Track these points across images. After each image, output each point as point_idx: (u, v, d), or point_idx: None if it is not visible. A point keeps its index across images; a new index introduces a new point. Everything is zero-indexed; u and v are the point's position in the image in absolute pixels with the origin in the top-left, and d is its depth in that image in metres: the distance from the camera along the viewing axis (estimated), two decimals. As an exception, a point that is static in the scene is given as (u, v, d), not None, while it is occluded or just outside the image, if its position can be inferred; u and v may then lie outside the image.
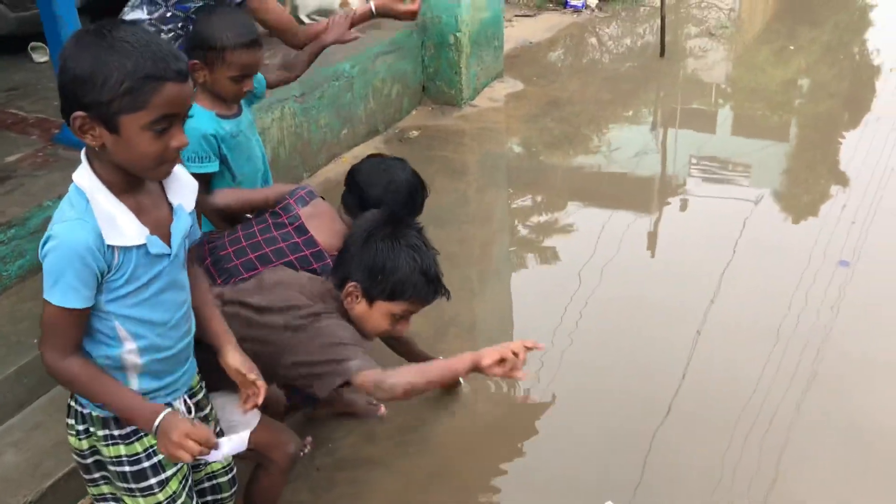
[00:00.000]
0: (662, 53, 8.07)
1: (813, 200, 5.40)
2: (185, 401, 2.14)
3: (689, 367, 3.65)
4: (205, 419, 2.21)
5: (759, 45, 9.03)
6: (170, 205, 1.98)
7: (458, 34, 6.66)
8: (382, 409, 3.43)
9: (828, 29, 9.44)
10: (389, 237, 2.41)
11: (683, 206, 5.33)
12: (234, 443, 1.99)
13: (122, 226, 1.85)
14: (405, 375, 2.26)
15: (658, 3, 8.24)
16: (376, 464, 3.22)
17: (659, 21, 8.06)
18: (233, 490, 2.40)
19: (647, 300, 4.16)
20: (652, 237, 4.91)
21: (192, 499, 2.20)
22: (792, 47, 8.52)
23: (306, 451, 3.23)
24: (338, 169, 5.77)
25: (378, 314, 2.42)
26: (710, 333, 3.88)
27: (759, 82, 7.80)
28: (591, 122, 6.69)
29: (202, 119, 2.91)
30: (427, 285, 2.41)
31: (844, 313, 4.02)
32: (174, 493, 2.12)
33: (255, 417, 2.41)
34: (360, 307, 2.41)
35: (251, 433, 2.07)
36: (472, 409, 3.49)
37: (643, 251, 4.75)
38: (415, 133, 6.45)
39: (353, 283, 2.39)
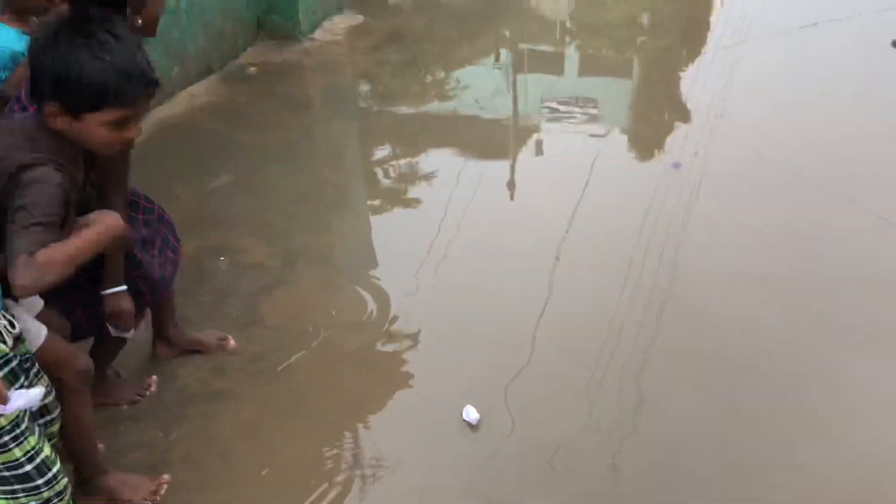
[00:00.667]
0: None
1: (658, 135, 5.55)
2: (3, 316, 2.02)
3: (550, 301, 3.68)
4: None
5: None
6: None
7: (291, -36, 6.45)
8: (231, 342, 3.34)
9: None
10: (71, 38, 2.06)
11: (539, 149, 5.37)
12: (25, 398, 1.98)
13: None
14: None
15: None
16: (228, 395, 3.14)
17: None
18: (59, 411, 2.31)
19: (505, 240, 4.16)
20: (511, 180, 4.89)
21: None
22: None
23: (152, 389, 3.12)
24: (173, 110, 5.51)
25: (92, 128, 2.11)
26: (568, 266, 3.94)
27: (603, 19, 7.94)
28: (440, 59, 6.65)
29: (8, 37, 2.73)
30: (128, 82, 2.08)
31: (691, 232, 4.22)
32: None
33: (41, 332, 2.27)
34: (68, 125, 2.11)
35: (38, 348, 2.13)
36: (325, 341, 3.43)
37: (501, 192, 4.73)
38: (253, 69, 6.23)
39: (50, 104, 2.09)
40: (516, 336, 3.44)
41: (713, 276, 3.86)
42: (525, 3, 8.19)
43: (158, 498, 2.67)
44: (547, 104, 5.88)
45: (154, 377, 3.17)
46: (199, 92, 5.76)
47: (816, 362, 3.32)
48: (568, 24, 8.03)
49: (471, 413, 2.96)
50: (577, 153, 5.12)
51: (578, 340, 3.44)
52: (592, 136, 5.39)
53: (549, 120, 5.66)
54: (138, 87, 2.11)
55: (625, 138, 5.47)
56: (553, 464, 2.82)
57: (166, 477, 2.74)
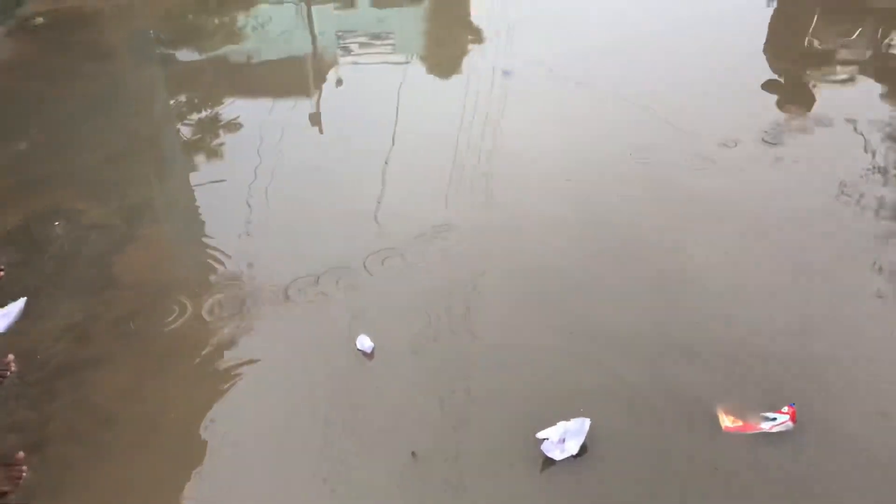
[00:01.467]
0: None
1: (455, 54, 5.65)
2: None
3: (379, 211, 3.76)
4: None
5: None
6: None
7: None
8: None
9: None
10: None
11: (339, 82, 5.29)
12: None
13: None
14: None
15: None
16: (99, 362, 2.98)
17: None
18: None
19: (326, 169, 4.15)
20: (316, 115, 4.82)
21: None
22: None
23: (12, 369, 2.92)
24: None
25: None
26: (396, 173, 4.02)
27: None
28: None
29: None
30: None
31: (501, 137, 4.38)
32: None
33: None
34: None
35: None
36: (187, 295, 3.32)
37: (311, 131, 4.64)
38: (40, 20, 5.72)
39: None
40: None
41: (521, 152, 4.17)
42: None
43: (20, 480, 2.51)
44: (343, 38, 5.85)
45: (10, 356, 2.96)
46: (-14, 47, 5.26)
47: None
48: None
49: (364, 342, 2.98)
50: (382, 82, 5.14)
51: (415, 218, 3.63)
52: (395, 63, 5.46)
53: (348, 53, 5.62)
54: None
55: (424, 62, 5.54)
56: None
57: (21, 455, 2.56)
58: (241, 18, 6.08)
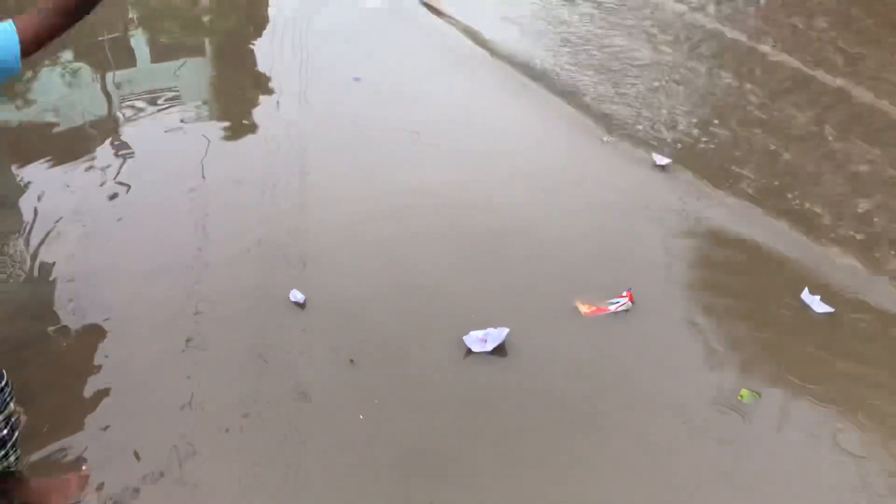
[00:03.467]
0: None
1: (245, 103, 5.84)
2: None
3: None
4: None
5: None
6: None
7: None
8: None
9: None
10: None
11: (119, 148, 5.03)
12: None
13: None
14: None
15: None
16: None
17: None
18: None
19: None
20: (111, 185, 4.60)
21: None
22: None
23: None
24: None
25: None
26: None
27: (168, 4, 8.06)
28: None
29: None
30: None
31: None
32: None
33: None
34: None
35: None
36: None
37: (102, 200, 4.47)
38: None
39: None
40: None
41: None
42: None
43: (86, 494, 2.70)
44: (126, 99, 5.68)
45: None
46: None
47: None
48: (131, 15, 7.73)
49: (297, 294, 3.59)
50: (174, 141, 5.15)
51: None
52: (182, 121, 5.39)
53: (134, 114, 5.46)
54: None
55: (215, 112, 5.63)
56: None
57: (85, 469, 2.78)
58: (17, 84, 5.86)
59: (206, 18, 7.76)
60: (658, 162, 4.77)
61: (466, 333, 3.36)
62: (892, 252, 4.07)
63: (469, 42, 6.78)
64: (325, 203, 4.38)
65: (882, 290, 3.80)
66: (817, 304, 3.59)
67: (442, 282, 3.77)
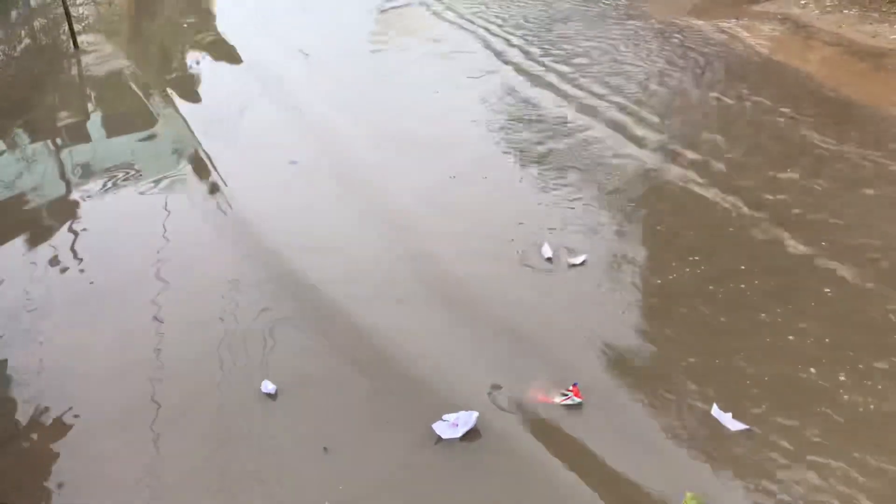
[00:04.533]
0: (76, 46, 8.33)
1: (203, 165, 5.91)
2: None
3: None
4: None
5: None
6: None
7: None
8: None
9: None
10: None
11: (82, 228, 5.12)
12: None
13: None
14: None
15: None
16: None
17: (57, 19, 8.14)
18: None
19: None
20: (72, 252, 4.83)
21: None
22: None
23: None
24: None
25: None
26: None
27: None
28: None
29: None
30: None
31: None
32: None
33: None
34: None
35: None
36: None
37: (65, 268, 4.68)
38: None
39: None
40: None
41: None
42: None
43: None
44: (82, 176, 5.75)
45: None
46: None
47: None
48: (88, 91, 7.82)
49: (268, 385, 3.62)
50: (134, 214, 5.25)
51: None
52: (142, 193, 5.48)
53: (97, 191, 5.55)
54: None
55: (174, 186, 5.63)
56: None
57: None
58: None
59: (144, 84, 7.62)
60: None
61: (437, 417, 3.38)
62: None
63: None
64: (299, 287, 4.37)
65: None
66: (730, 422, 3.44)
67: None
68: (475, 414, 3.39)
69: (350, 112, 6.62)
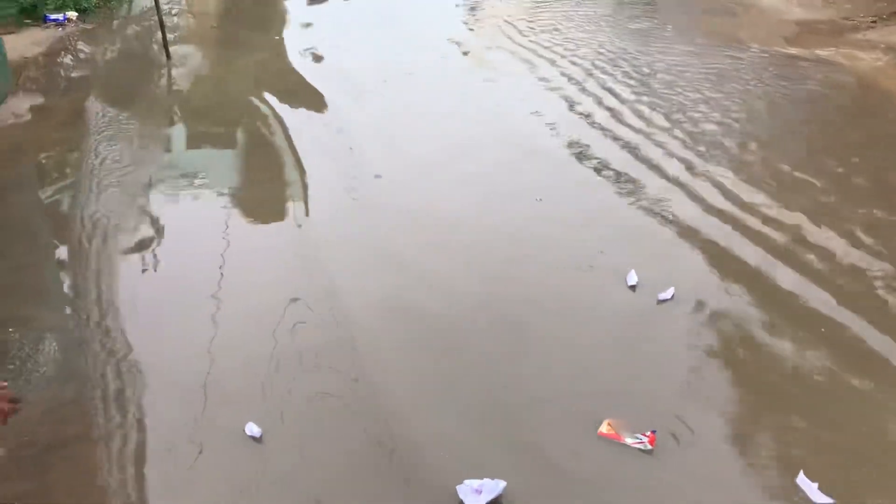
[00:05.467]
0: (168, 57, 8.57)
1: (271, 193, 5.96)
2: None
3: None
4: None
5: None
6: None
7: (-39, 54, 6.34)
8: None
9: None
10: None
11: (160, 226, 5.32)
12: None
13: None
14: None
15: (130, 12, 8.67)
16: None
17: (151, 28, 8.46)
18: None
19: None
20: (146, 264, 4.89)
21: None
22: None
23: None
24: None
25: None
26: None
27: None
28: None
29: None
30: None
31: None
32: None
33: None
34: None
35: None
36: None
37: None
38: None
39: None
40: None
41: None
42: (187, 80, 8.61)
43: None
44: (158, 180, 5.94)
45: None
46: None
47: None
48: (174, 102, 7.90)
49: (253, 428, 3.46)
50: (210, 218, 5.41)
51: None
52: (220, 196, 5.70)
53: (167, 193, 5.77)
54: None
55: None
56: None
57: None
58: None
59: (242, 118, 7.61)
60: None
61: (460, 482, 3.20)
62: None
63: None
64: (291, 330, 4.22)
65: None
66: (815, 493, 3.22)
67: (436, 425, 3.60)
68: (502, 483, 3.19)
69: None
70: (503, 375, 3.83)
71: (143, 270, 4.71)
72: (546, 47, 9.11)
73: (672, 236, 4.99)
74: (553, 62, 8.55)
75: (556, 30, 9.91)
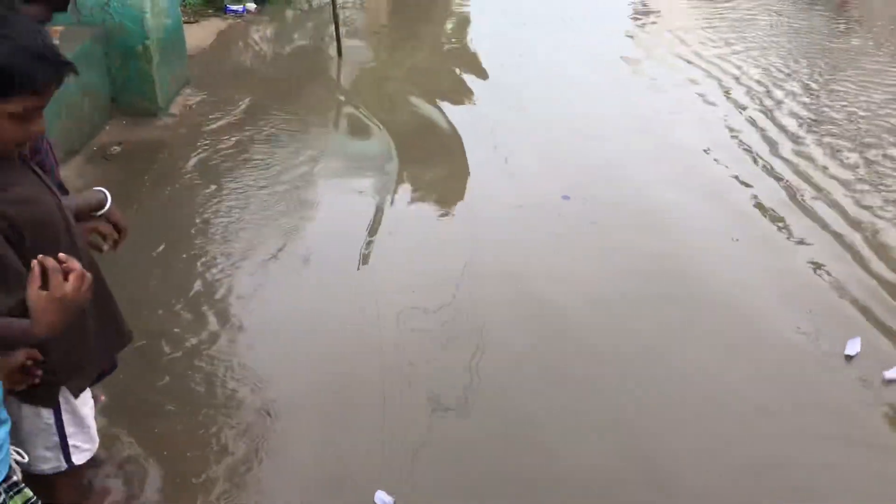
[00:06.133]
0: (340, 54, 8.45)
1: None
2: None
3: None
4: None
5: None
6: None
7: (146, 42, 6.39)
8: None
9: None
10: None
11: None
12: None
13: None
14: None
15: (311, 5, 8.91)
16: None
17: (326, 22, 8.41)
18: None
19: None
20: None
21: None
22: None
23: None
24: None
25: None
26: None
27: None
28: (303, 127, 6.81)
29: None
30: (38, 64, 1.86)
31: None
32: None
33: None
34: None
35: None
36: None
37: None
38: (117, 148, 6.08)
39: None
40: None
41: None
42: (358, 68, 8.50)
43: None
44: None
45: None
46: (70, 175, 5.53)
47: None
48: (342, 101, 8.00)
49: (383, 497, 3.06)
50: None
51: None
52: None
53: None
54: (50, 71, 1.90)
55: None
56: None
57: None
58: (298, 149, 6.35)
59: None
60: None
61: None
62: None
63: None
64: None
65: None
66: None
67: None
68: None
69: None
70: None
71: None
72: (721, 66, 8.44)
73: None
74: (725, 86, 7.89)
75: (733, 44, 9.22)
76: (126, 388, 3.44)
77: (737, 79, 8.17)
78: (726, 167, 6.15)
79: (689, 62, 8.75)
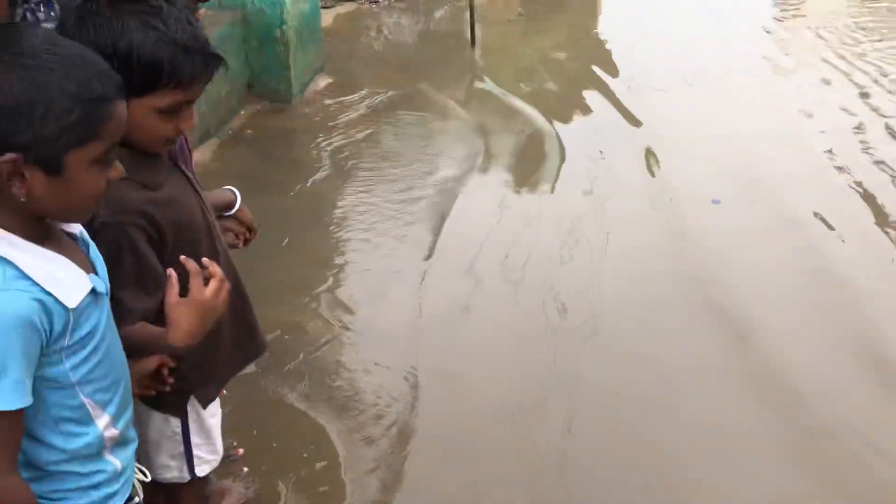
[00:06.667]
0: (473, 43, 8.27)
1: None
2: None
3: None
4: None
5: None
6: (70, 234, 1.58)
7: (283, 28, 6.38)
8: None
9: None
10: (111, 5, 1.70)
11: None
12: None
13: (64, 277, 1.43)
14: None
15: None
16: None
17: (460, 9, 8.27)
18: None
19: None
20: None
21: None
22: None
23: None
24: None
25: (140, 118, 1.71)
26: None
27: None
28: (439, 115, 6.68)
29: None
30: (187, 56, 1.74)
31: None
32: None
33: None
34: None
35: None
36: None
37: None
38: (250, 132, 6.11)
39: None
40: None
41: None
42: (493, 58, 8.30)
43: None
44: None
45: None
46: (205, 158, 5.58)
47: None
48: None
49: None
50: None
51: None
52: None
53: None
54: (199, 64, 1.78)
55: None
56: None
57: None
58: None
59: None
60: None
61: None
62: None
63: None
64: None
65: None
66: None
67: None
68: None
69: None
70: None
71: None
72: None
73: None
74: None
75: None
76: (249, 383, 3.37)
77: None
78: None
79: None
